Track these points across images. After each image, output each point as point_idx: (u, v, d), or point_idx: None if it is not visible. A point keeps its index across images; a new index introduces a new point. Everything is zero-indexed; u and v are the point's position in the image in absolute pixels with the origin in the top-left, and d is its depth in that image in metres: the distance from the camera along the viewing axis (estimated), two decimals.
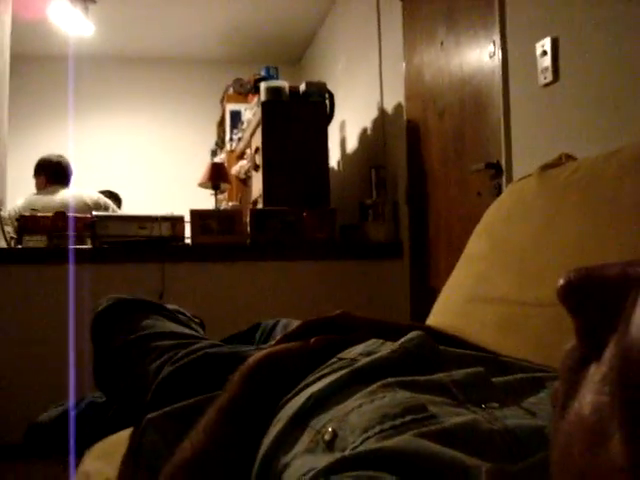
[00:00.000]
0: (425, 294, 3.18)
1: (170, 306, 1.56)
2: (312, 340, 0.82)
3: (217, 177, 3.68)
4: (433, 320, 1.65)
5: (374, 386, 0.62)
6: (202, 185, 3.88)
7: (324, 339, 0.83)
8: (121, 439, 1.29)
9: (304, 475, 0.54)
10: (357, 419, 0.57)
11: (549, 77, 2.08)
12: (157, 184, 5.97)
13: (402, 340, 0.74)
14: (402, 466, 0.47)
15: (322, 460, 0.54)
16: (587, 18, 1.92)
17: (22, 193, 3.84)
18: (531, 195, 1.50)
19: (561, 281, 0.30)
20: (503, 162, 2.39)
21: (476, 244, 1.67)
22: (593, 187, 1.30)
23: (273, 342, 0.91)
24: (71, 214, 3.20)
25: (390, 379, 0.63)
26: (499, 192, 2.41)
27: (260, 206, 3.59)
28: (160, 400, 1.01)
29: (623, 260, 0.30)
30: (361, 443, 0.53)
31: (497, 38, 2.40)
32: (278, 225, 3.26)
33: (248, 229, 3.26)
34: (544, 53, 2.09)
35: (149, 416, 0.94)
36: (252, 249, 3.25)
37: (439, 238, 3.06)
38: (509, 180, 2.33)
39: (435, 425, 0.52)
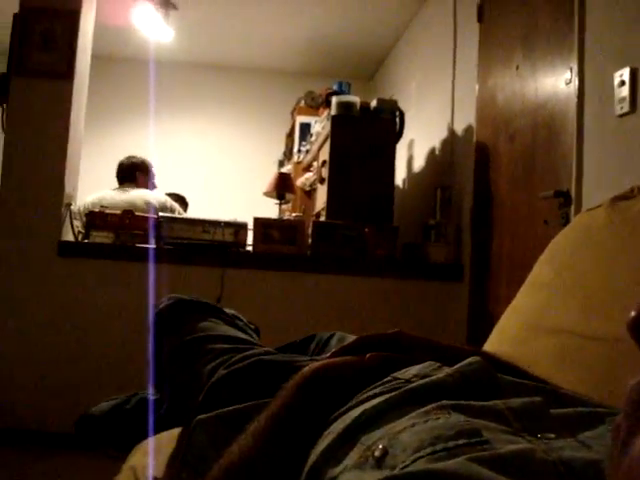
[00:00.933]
0: (483, 319, 3.14)
1: (228, 310, 1.58)
2: (368, 356, 0.82)
3: (283, 187, 3.71)
4: (490, 346, 1.62)
5: (428, 407, 0.62)
6: (267, 194, 3.93)
7: (380, 356, 0.82)
8: (171, 437, 1.31)
9: None
10: (409, 438, 0.57)
11: (626, 107, 2.04)
12: (224, 190, 6.06)
13: (459, 365, 0.73)
14: None
15: (370, 477, 0.54)
16: None
17: (93, 191, 3.95)
18: (600, 226, 1.47)
19: (633, 313, 0.30)
20: (573, 191, 2.34)
21: (540, 272, 1.64)
22: None
23: (328, 354, 0.91)
24: (139, 214, 3.28)
25: (445, 402, 0.62)
26: (567, 221, 2.37)
27: (323, 219, 3.61)
28: (212, 402, 1.02)
29: None
30: (412, 462, 0.53)
31: (574, 65, 2.36)
32: (339, 239, 3.27)
33: (309, 240, 3.27)
34: (622, 83, 2.05)
35: (199, 417, 0.95)
36: (312, 260, 3.27)
37: (501, 264, 3.02)
38: (578, 210, 2.29)
39: (489, 451, 0.51)
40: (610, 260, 1.34)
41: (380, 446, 0.58)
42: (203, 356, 1.14)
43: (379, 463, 0.57)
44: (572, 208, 2.34)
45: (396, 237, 3.40)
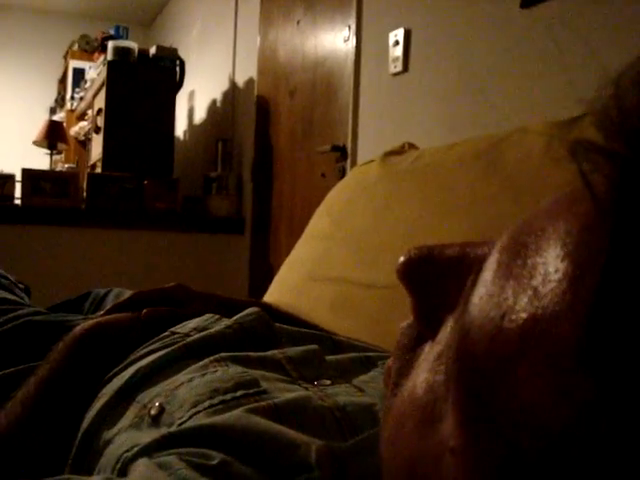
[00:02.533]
0: (264, 271, 3.19)
1: None
2: (144, 311, 0.79)
3: (54, 136, 3.48)
4: (271, 297, 1.65)
5: (206, 360, 0.61)
6: (37, 143, 3.66)
7: (156, 311, 0.80)
8: None
9: (127, 452, 0.51)
10: (186, 393, 0.55)
11: (399, 67, 2.13)
12: None
13: (237, 316, 0.72)
14: (230, 442, 0.46)
15: (147, 436, 0.52)
16: (440, 12, 1.98)
17: None
18: (373, 179, 1.53)
19: (402, 258, 0.30)
20: (349, 146, 2.43)
21: (317, 224, 1.68)
22: (431, 175, 1.35)
23: (102, 312, 0.86)
24: None
25: (223, 354, 0.61)
26: (343, 175, 2.45)
27: (99, 171, 3.44)
28: None
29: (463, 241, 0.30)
30: (189, 418, 0.51)
31: (352, 23, 2.43)
32: (117, 192, 3.14)
33: (84, 194, 3.11)
34: (396, 43, 2.14)
35: None
36: (87, 215, 3.11)
37: (281, 216, 3.08)
38: (353, 164, 2.38)
39: (266, 401, 0.51)
40: (380, 212, 1.41)
41: (157, 404, 0.56)
42: None
43: (156, 421, 0.55)
44: (348, 162, 2.42)
45: (177, 190, 3.33)
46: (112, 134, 3.41)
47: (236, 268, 3.37)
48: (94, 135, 3.75)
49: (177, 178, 3.40)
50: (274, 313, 0.88)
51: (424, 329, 0.29)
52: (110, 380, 0.67)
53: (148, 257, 3.19)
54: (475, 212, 1.14)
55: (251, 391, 0.53)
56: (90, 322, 0.77)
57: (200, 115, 4.28)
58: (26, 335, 0.99)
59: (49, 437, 0.67)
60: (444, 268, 0.29)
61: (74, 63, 4.70)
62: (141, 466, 0.46)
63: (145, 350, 0.70)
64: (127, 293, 1.39)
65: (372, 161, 1.72)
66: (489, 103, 1.80)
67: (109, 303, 1.33)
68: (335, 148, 2.49)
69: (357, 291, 1.32)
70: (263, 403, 0.50)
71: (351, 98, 2.41)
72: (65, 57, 5.00)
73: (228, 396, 0.52)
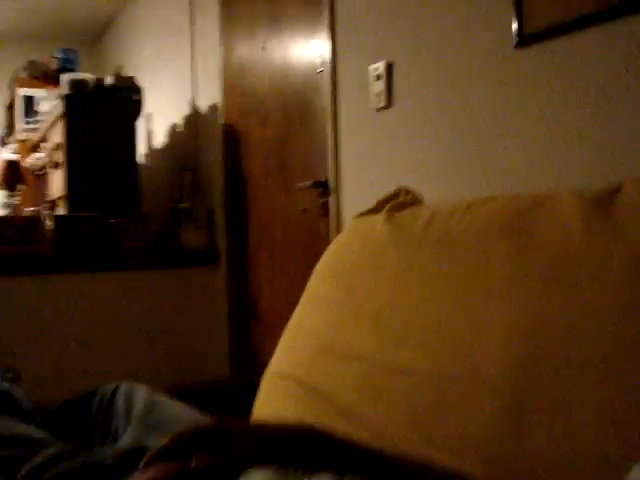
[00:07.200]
0: (243, 303, 3.10)
1: None
2: (193, 464, 0.75)
3: (13, 177, 3.30)
4: (283, 366, 1.56)
5: None
6: None
7: (204, 461, 0.76)
8: None
9: None
10: None
11: (383, 102, 2.06)
12: None
13: None
14: None
15: None
16: (425, 44, 1.91)
17: None
18: (380, 243, 1.45)
19: None
20: (331, 181, 2.34)
21: (320, 287, 1.60)
22: (451, 248, 1.27)
23: (143, 462, 0.79)
24: None
25: None
26: (326, 211, 2.37)
27: (61, 209, 3.29)
28: None
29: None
30: None
31: (327, 54, 2.34)
32: (85, 233, 3.01)
33: (49, 238, 2.96)
34: (378, 78, 2.07)
35: None
36: (57, 260, 2.97)
37: (261, 248, 2.98)
38: (337, 200, 2.30)
39: None
40: (397, 287, 1.32)
41: None
42: None
43: None
44: (331, 198, 2.34)
45: (146, 225, 3.21)
46: (75, 171, 3.27)
47: (213, 301, 3.26)
48: (52, 170, 3.59)
49: (146, 214, 3.27)
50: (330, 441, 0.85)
51: None
52: None
53: (124, 299, 3.07)
54: (516, 299, 1.07)
55: None
56: None
57: (162, 141, 4.13)
58: None
59: None
60: None
61: (23, 91, 4.49)
62: None
63: None
64: (137, 390, 1.30)
65: (370, 212, 1.65)
66: (481, 142, 1.74)
67: (119, 406, 1.24)
68: (317, 184, 2.41)
69: (386, 376, 1.23)
70: None
71: (330, 132, 2.32)
72: (12, 84, 4.78)
73: None
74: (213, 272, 3.27)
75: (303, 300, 1.66)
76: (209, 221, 3.33)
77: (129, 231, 3.12)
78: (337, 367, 1.38)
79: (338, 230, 2.29)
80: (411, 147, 1.97)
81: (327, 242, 2.36)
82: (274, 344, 3.00)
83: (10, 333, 2.80)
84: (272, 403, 1.54)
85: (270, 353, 3.05)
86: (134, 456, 0.94)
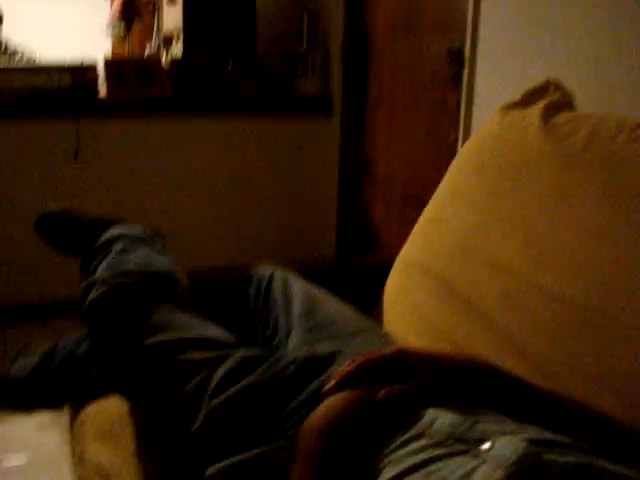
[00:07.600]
0: (356, 160, 3.09)
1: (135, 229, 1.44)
2: (381, 394, 0.82)
3: (131, 10, 3.23)
4: (417, 257, 1.57)
5: None
6: (112, 24, 3.35)
7: (391, 392, 0.82)
8: (120, 415, 1.20)
9: None
10: None
11: None
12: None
13: (508, 461, 0.68)
14: None
15: None
16: None
17: None
18: (537, 152, 1.39)
19: None
20: (467, 50, 2.22)
21: (462, 183, 1.57)
22: (618, 170, 1.22)
23: (327, 387, 0.87)
24: None
25: None
26: (457, 83, 2.28)
27: (177, 49, 3.24)
28: (207, 434, 0.95)
29: None
30: None
31: None
32: (202, 76, 2.99)
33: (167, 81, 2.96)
34: None
35: (209, 473, 0.89)
36: (175, 103, 2.99)
37: (378, 107, 2.90)
38: (471, 73, 2.19)
39: None
40: (554, 205, 1.28)
41: None
42: (178, 369, 1.01)
43: None
44: (465, 72, 2.23)
45: (262, 70, 3.16)
46: (192, 6, 3.17)
47: (326, 149, 3.24)
48: (165, 6, 3.51)
49: (262, 57, 3.19)
50: (497, 377, 0.90)
51: None
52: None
53: (240, 145, 3.11)
54: None
55: None
56: (331, 411, 0.82)
57: None
58: (253, 399, 0.99)
59: None
60: None
61: None
62: None
63: (399, 451, 0.75)
64: (291, 278, 1.35)
65: (518, 105, 1.58)
66: None
67: (277, 297, 1.29)
68: (449, 51, 2.29)
69: (534, 296, 1.24)
70: None
71: None
72: None
73: None
74: (328, 122, 3.23)
75: (442, 191, 1.63)
76: (324, 68, 3.24)
77: (245, 75, 3.08)
78: (480, 273, 1.39)
79: (468, 106, 2.21)
80: (566, 31, 1.82)
81: (454, 116, 2.30)
82: (384, 208, 3.01)
83: (128, 173, 2.90)
84: (406, 292, 1.57)
85: (380, 219, 3.06)
86: (310, 365, 1.01)
